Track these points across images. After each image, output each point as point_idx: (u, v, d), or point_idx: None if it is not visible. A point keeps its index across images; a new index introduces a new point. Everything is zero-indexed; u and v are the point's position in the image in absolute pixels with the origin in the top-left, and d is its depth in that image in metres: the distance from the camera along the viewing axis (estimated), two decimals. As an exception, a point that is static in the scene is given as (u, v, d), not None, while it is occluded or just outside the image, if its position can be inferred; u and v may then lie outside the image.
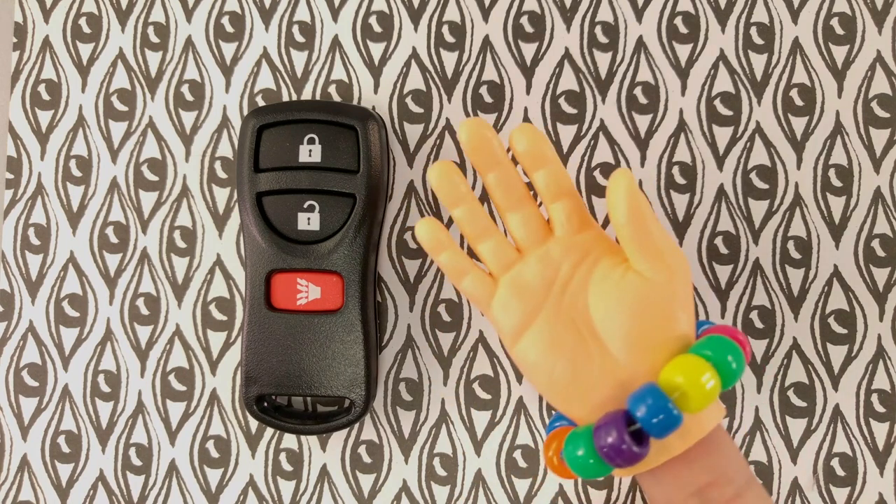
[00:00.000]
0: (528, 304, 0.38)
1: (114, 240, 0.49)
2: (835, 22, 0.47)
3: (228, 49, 0.49)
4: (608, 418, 0.35)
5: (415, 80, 0.48)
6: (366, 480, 0.47)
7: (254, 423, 0.48)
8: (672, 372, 0.34)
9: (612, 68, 0.47)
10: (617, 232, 0.36)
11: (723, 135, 0.47)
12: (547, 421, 0.47)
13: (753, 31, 0.47)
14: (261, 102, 0.48)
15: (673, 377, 0.34)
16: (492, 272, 0.40)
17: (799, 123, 0.47)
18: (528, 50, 0.48)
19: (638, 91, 0.47)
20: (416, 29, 0.48)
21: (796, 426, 0.46)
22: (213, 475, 0.48)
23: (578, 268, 0.38)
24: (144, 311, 0.48)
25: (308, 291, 0.45)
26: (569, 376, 0.37)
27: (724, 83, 0.47)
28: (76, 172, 0.49)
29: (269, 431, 0.48)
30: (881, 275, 0.46)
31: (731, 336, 0.37)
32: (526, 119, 0.47)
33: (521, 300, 0.38)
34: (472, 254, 0.47)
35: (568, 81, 0.47)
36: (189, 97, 0.49)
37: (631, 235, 0.36)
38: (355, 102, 0.48)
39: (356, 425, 0.47)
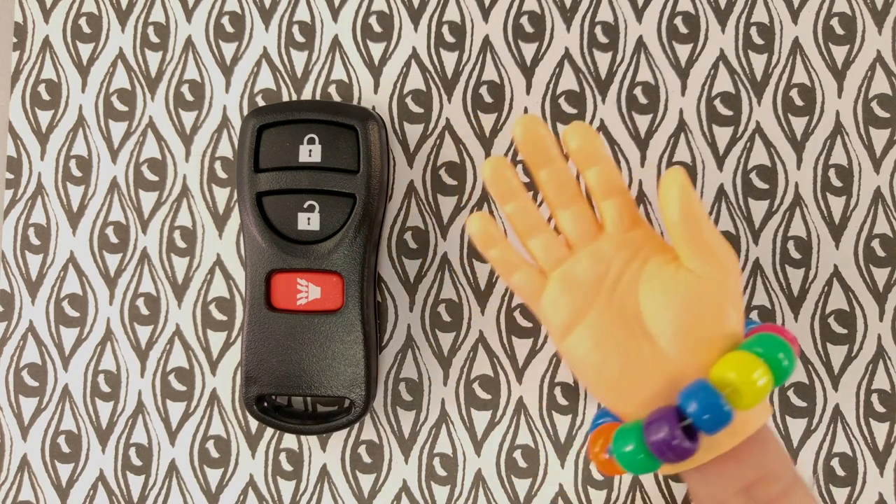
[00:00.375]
0: (579, 299, 0.38)
1: (114, 240, 0.49)
2: (835, 22, 0.47)
3: (228, 49, 0.49)
4: (659, 413, 0.34)
5: (415, 80, 0.48)
6: (366, 480, 0.47)
7: (254, 423, 0.48)
8: (724, 368, 0.34)
9: (612, 68, 0.47)
10: (669, 230, 0.36)
11: (723, 135, 0.47)
12: (547, 421, 0.47)
13: (753, 31, 0.47)
14: (261, 102, 0.48)
15: (725, 374, 0.34)
16: (542, 268, 0.39)
17: (799, 123, 0.47)
18: (528, 50, 0.48)
19: (638, 91, 0.47)
20: (416, 29, 0.48)
21: (796, 426, 0.46)
22: (213, 475, 0.48)
23: (630, 264, 0.38)
24: (144, 311, 0.48)
25: (308, 291, 0.45)
26: (618, 372, 0.37)
27: (724, 83, 0.47)
28: (76, 172, 0.49)
29: (269, 431, 0.48)
30: (881, 275, 0.46)
31: (781, 334, 0.37)
32: (526, 119, 0.47)
33: (572, 296, 0.38)
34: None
35: (568, 81, 0.47)
36: (189, 97, 0.49)
37: (683, 234, 0.36)
38: (355, 102, 0.48)
39: (356, 425, 0.47)
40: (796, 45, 0.47)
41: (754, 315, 0.46)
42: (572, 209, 0.39)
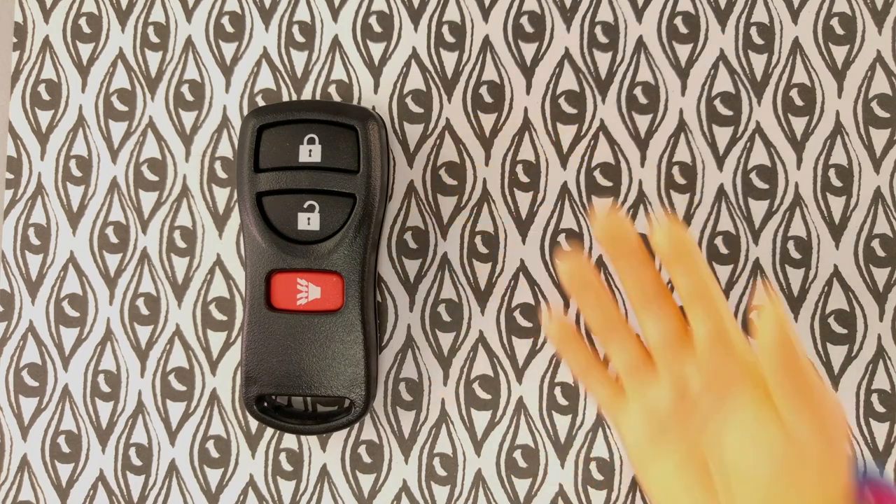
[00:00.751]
0: (659, 432, 0.34)
1: (114, 240, 0.49)
2: (835, 22, 0.47)
3: (228, 49, 0.49)
4: None
5: (415, 80, 0.48)
6: (366, 480, 0.47)
7: (254, 423, 0.48)
8: None
9: (612, 68, 0.47)
10: (766, 376, 0.32)
11: (723, 135, 0.47)
12: (547, 421, 0.47)
13: (753, 31, 0.47)
14: (261, 102, 0.48)
15: None
16: (620, 377, 0.36)
17: (799, 123, 0.47)
18: (528, 50, 0.48)
19: (638, 91, 0.47)
20: (416, 29, 0.48)
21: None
22: (213, 475, 0.48)
23: (718, 405, 0.33)
24: (144, 311, 0.48)
25: (308, 291, 0.45)
26: None
27: (724, 83, 0.47)
28: (76, 172, 0.49)
29: (269, 431, 0.48)
30: (881, 275, 0.46)
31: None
32: (526, 119, 0.47)
33: (652, 427, 0.34)
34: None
35: (568, 81, 0.47)
36: (189, 97, 0.49)
37: (781, 386, 0.31)
38: (355, 102, 0.48)
39: (356, 425, 0.47)
40: (796, 45, 0.47)
41: (755, 316, 0.46)
42: (655, 310, 0.34)
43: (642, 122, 0.47)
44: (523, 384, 0.47)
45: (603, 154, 0.47)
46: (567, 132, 0.47)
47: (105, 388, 0.48)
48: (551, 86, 0.47)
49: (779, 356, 0.31)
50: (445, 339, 0.47)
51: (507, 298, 0.47)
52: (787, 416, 0.32)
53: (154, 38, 0.49)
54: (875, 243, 0.46)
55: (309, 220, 0.44)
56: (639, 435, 0.35)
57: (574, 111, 0.47)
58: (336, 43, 0.48)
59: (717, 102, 0.47)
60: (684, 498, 0.34)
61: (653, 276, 0.34)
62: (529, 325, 0.47)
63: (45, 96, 0.49)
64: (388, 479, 0.47)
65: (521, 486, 0.47)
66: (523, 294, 0.47)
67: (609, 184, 0.47)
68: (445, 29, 0.48)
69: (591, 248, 0.47)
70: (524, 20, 0.48)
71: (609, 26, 0.47)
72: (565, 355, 0.37)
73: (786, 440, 0.32)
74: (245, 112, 0.48)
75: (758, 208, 0.47)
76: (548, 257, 0.47)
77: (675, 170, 0.47)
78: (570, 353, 0.37)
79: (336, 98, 0.48)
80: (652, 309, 0.34)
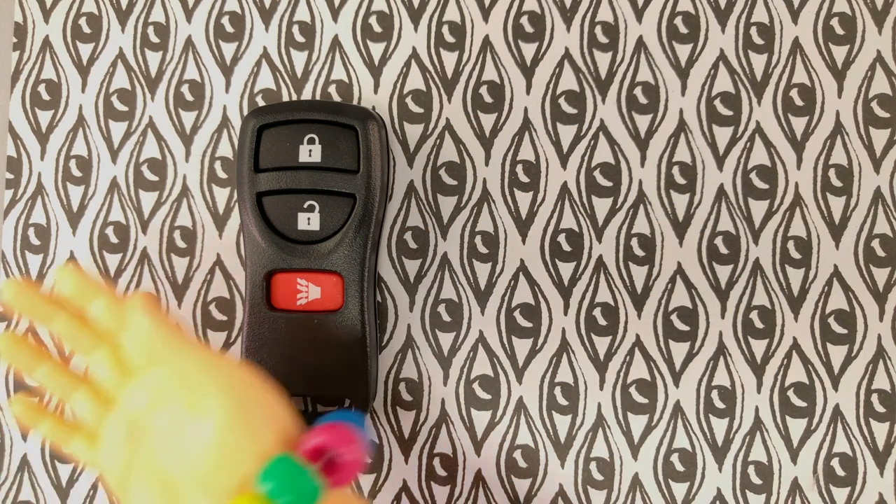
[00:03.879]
0: (118, 464, 0.36)
1: (114, 240, 0.49)
2: (835, 22, 0.47)
3: (228, 49, 0.49)
4: None
5: (415, 80, 0.48)
6: (366, 480, 0.47)
7: (254, 423, 0.48)
8: None
9: (612, 68, 0.47)
10: (152, 362, 0.36)
11: (723, 135, 0.47)
12: (547, 421, 0.47)
13: (753, 31, 0.47)
14: (261, 102, 0.48)
15: None
16: (92, 430, 0.37)
17: (799, 123, 0.47)
18: (528, 50, 0.48)
19: (638, 91, 0.47)
20: (416, 29, 0.48)
21: (796, 426, 0.46)
22: (213, 475, 0.48)
23: (154, 412, 0.36)
24: (144, 311, 0.48)
25: (308, 291, 0.45)
26: None
27: (724, 83, 0.47)
28: (76, 172, 0.49)
29: (269, 431, 0.48)
30: (881, 275, 0.46)
31: (335, 442, 0.35)
32: (526, 119, 0.47)
33: (111, 461, 0.36)
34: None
35: (568, 81, 0.47)
36: (189, 97, 0.49)
37: (163, 366, 0.35)
38: (355, 102, 0.48)
39: (356, 425, 0.47)
40: (796, 45, 0.47)
41: (754, 315, 0.46)
42: (97, 352, 0.37)
43: (642, 122, 0.47)
44: (523, 384, 0.47)
45: (603, 154, 0.47)
46: (567, 132, 0.47)
47: (105, 388, 0.48)
48: (551, 86, 0.47)
49: (148, 340, 0.35)
50: (445, 339, 0.47)
51: (507, 298, 0.47)
52: (184, 393, 0.35)
53: (154, 38, 0.49)
54: (875, 243, 0.46)
55: (309, 220, 0.44)
56: (109, 474, 0.36)
57: (574, 111, 0.47)
58: (336, 43, 0.48)
59: (717, 102, 0.47)
60: None
61: (78, 324, 0.37)
62: (529, 325, 0.47)
63: (45, 96, 0.49)
64: (388, 479, 0.47)
65: (521, 486, 0.47)
66: (523, 294, 0.47)
67: (609, 184, 0.47)
68: (445, 29, 0.48)
69: (590, 249, 0.47)
70: (524, 20, 0.48)
71: (609, 26, 0.47)
72: (39, 431, 0.38)
73: (193, 415, 0.34)
74: (245, 112, 0.48)
75: (758, 208, 0.47)
76: (548, 257, 0.47)
77: (675, 170, 0.47)
78: (43, 426, 0.38)
79: (336, 98, 0.48)
80: (94, 350, 0.37)
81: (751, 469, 0.46)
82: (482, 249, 0.47)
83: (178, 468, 0.34)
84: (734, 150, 0.47)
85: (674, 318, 0.47)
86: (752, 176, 0.47)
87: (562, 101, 0.47)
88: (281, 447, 0.34)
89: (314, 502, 0.33)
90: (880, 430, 0.46)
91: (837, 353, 0.46)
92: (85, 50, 0.49)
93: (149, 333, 0.36)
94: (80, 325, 0.37)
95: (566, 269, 0.47)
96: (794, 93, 0.47)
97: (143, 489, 0.35)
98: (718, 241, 0.47)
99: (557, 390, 0.47)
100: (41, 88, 0.49)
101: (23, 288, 0.37)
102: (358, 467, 0.35)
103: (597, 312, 0.47)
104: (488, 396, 0.47)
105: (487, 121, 0.47)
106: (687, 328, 0.47)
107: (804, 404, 0.46)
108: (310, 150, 0.44)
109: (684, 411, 0.46)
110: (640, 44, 0.47)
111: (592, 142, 0.47)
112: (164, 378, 0.36)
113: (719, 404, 0.46)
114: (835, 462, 0.46)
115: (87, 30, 0.49)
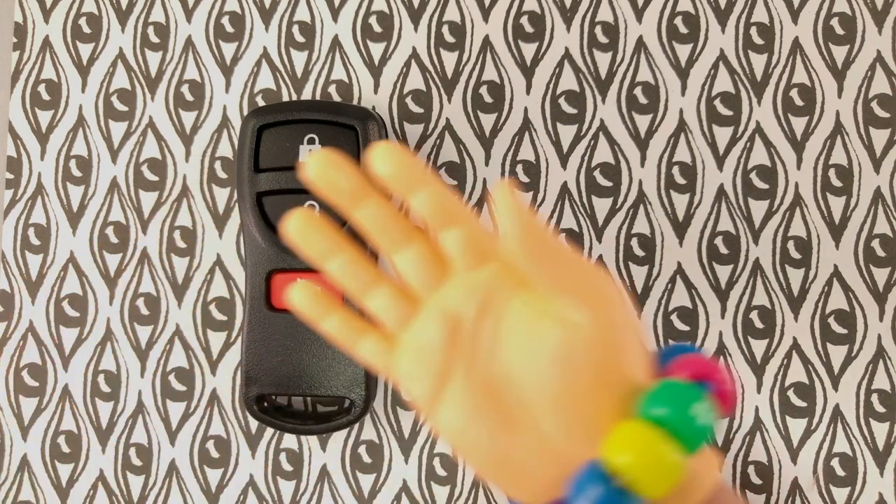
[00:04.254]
0: (433, 369, 0.31)
1: (114, 240, 0.49)
2: (835, 22, 0.47)
3: (228, 49, 0.49)
4: None
5: (415, 80, 0.48)
6: (366, 480, 0.47)
7: (254, 423, 0.48)
8: (615, 449, 0.27)
9: (612, 68, 0.47)
10: (521, 268, 0.29)
11: (723, 135, 0.47)
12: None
13: (753, 31, 0.47)
14: (261, 102, 0.48)
15: (617, 456, 0.27)
16: (390, 332, 0.33)
17: (799, 123, 0.47)
18: (528, 50, 0.48)
19: (638, 91, 0.47)
20: (416, 29, 0.48)
21: (796, 426, 0.46)
22: (213, 475, 0.48)
23: (485, 314, 0.31)
24: (144, 311, 0.48)
25: (308, 291, 0.45)
26: (497, 454, 0.30)
27: (724, 83, 0.47)
28: (76, 172, 0.49)
29: (269, 431, 0.48)
30: (881, 275, 0.46)
31: (704, 374, 0.29)
32: (526, 119, 0.47)
33: (425, 366, 0.31)
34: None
35: (568, 81, 0.47)
36: (189, 97, 0.49)
37: (537, 273, 0.29)
38: (355, 102, 0.48)
39: (356, 425, 0.47)
40: (796, 45, 0.47)
41: (754, 315, 0.46)
42: (407, 250, 0.31)
43: (642, 122, 0.47)
44: (523, 384, 0.47)
45: (603, 154, 0.47)
46: (567, 132, 0.47)
47: (105, 388, 0.48)
48: (551, 86, 0.47)
49: (523, 241, 0.28)
50: (445, 339, 0.47)
51: (507, 298, 0.47)
52: (554, 303, 0.29)
53: (154, 38, 0.49)
54: (875, 243, 0.46)
55: (309, 220, 0.44)
56: (418, 381, 0.31)
57: (574, 111, 0.47)
58: (336, 43, 0.48)
59: (717, 102, 0.47)
60: (480, 430, 0.30)
61: (392, 215, 0.31)
62: (529, 325, 0.47)
63: (45, 96, 0.49)
64: (388, 479, 0.47)
65: (521, 486, 0.47)
66: (523, 294, 0.47)
67: (609, 184, 0.47)
68: (445, 29, 0.48)
69: (590, 249, 0.47)
70: (524, 20, 0.48)
71: (609, 26, 0.47)
72: (323, 328, 0.33)
73: (560, 329, 0.29)
74: (245, 112, 0.48)
75: (758, 208, 0.47)
76: (548, 257, 0.47)
77: (675, 170, 0.47)
78: (328, 323, 0.33)
79: (336, 98, 0.48)
80: (403, 250, 0.31)
81: (751, 469, 0.46)
82: (482, 249, 0.47)
83: (521, 382, 0.29)
84: (734, 150, 0.47)
85: (674, 318, 0.47)
86: (752, 176, 0.47)
87: (562, 101, 0.47)
88: (651, 373, 0.30)
89: (711, 432, 0.28)
90: (880, 430, 0.46)
91: (837, 353, 0.46)
92: (85, 50, 0.49)
93: (513, 230, 0.28)
94: (392, 215, 0.31)
95: (566, 269, 0.47)
96: (794, 93, 0.47)
97: (462, 401, 0.30)
98: (718, 241, 0.47)
99: (557, 390, 0.47)
100: (41, 88, 0.49)
101: (331, 162, 0.30)
102: (735, 398, 0.31)
103: (597, 312, 0.47)
104: (488, 396, 0.47)
105: (487, 121, 0.47)
106: (687, 328, 0.47)
107: (804, 404, 0.46)
108: (310, 150, 0.44)
109: (684, 411, 0.46)
110: (640, 44, 0.47)
111: (592, 142, 0.47)
112: (509, 280, 0.31)
113: (719, 404, 0.46)
114: (835, 462, 0.46)
115: (87, 30, 0.49)
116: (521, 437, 0.29)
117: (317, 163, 0.30)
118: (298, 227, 0.31)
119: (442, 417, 0.31)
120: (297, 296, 0.33)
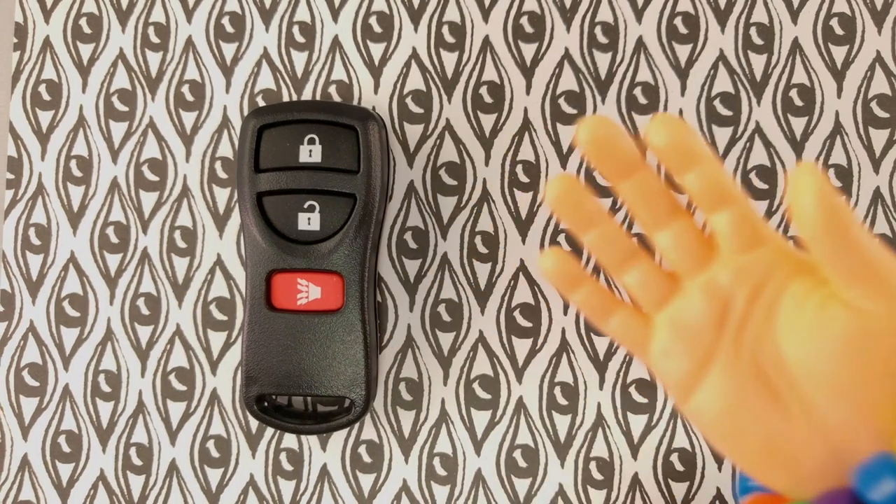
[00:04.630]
0: (697, 348, 0.30)
1: (114, 240, 0.49)
2: (834, 22, 0.47)
3: (229, 49, 0.49)
4: (831, 499, 0.27)
5: (415, 81, 0.48)
6: (366, 480, 0.47)
7: (254, 423, 0.48)
8: None
9: (612, 68, 0.47)
10: (810, 249, 0.27)
11: (723, 135, 0.47)
12: (547, 421, 0.47)
13: (753, 31, 0.47)
14: (261, 102, 0.48)
15: None
16: (644, 309, 0.32)
17: (799, 123, 0.47)
18: (528, 50, 0.48)
19: (638, 91, 0.47)
20: (416, 29, 0.48)
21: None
22: (214, 475, 0.48)
23: (758, 298, 0.29)
24: (145, 311, 0.48)
25: (308, 291, 0.45)
26: (762, 440, 0.29)
27: (723, 83, 0.47)
28: (77, 172, 0.49)
29: (270, 431, 0.48)
30: (881, 275, 0.46)
31: None
32: (526, 119, 0.47)
33: (687, 344, 0.30)
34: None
35: (568, 81, 0.47)
36: (189, 97, 0.49)
37: (831, 254, 0.27)
38: (355, 102, 0.48)
39: (356, 425, 0.47)
40: (796, 46, 0.47)
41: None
42: (671, 228, 0.30)
43: (642, 122, 0.47)
44: (523, 384, 0.47)
45: (603, 154, 0.47)
46: (567, 132, 0.47)
47: (105, 388, 0.48)
48: (551, 86, 0.47)
49: (822, 216, 0.26)
50: (445, 339, 0.47)
51: (507, 298, 0.47)
52: (844, 289, 0.27)
53: (154, 39, 0.49)
54: (875, 243, 0.46)
55: (309, 220, 0.44)
56: (675, 363, 0.30)
57: (574, 111, 0.47)
58: (336, 43, 0.48)
59: (716, 102, 0.47)
60: (744, 414, 0.29)
61: (661, 190, 0.30)
62: (529, 324, 0.47)
63: (46, 96, 0.49)
64: (388, 479, 0.47)
65: (521, 485, 0.47)
66: (523, 294, 0.47)
67: (609, 184, 0.47)
68: (445, 29, 0.48)
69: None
70: (524, 20, 0.48)
71: (609, 26, 0.48)
72: (572, 297, 0.32)
73: (849, 318, 0.27)
74: (245, 112, 0.48)
75: (757, 208, 0.47)
76: (548, 257, 0.47)
77: (675, 170, 0.47)
78: (578, 294, 0.32)
79: (336, 98, 0.48)
80: (668, 226, 0.30)
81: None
82: (482, 249, 0.47)
83: (797, 367, 0.28)
84: (734, 150, 0.47)
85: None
86: (752, 176, 0.47)
87: (562, 101, 0.47)
88: None
89: None
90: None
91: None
92: (85, 50, 0.49)
93: (817, 214, 0.26)
94: (661, 190, 0.30)
95: (566, 269, 0.47)
96: (793, 93, 0.47)
97: (726, 383, 0.29)
98: (718, 241, 0.47)
99: (557, 390, 0.47)
100: (41, 88, 0.49)
101: (609, 127, 0.29)
102: None
103: (597, 312, 0.47)
104: (488, 396, 0.47)
105: (487, 121, 0.48)
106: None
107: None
108: (310, 151, 0.44)
109: (684, 411, 0.46)
110: (640, 44, 0.47)
111: (592, 142, 0.47)
112: (784, 265, 0.29)
113: (719, 404, 0.46)
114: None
115: (87, 30, 0.49)
116: (790, 424, 0.29)
117: (594, 126, 0.29)
118: (559, 193, 0.30)
119: (700, 399, 0.30)
120: (549, 263, 0.31)
